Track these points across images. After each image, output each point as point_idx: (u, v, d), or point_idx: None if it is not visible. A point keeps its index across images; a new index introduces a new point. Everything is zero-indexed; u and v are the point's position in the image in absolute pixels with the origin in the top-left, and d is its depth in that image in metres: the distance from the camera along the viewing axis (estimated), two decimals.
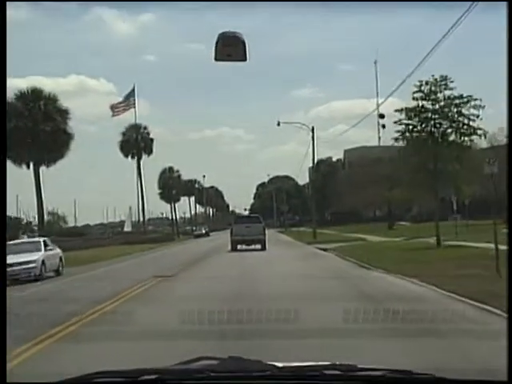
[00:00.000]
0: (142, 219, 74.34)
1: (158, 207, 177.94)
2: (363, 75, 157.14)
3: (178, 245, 59.65)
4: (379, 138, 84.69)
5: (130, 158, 64.87)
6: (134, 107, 69.88)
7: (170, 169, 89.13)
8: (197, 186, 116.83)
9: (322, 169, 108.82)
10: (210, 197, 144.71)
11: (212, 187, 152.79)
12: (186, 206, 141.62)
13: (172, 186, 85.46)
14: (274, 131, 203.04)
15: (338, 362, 3.29)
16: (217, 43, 6.77)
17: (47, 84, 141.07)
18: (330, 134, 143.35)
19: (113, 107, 70.94)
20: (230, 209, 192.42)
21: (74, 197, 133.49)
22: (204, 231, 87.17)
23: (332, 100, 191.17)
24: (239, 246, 39.68)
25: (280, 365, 3.21)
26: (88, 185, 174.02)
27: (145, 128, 67.05)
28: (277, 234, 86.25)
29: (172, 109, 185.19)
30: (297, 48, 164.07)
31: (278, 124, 49.53)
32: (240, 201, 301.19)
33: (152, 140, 67.48)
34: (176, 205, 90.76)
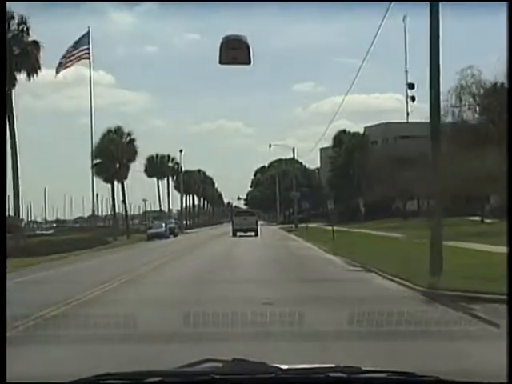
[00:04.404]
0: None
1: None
2: (364, 71, 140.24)
3: (78, 261, 27.92)
4: (407, 113, 71.85)
5: None
6: (89, 58, 52.43)
7: (117, 130, 56.63)
8: (171, 164, 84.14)
9: (346, 142, 76.84)
10: (196, 182, 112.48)
11: (199, 171, 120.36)
12: (176, 196, 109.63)
13: (115, 154, 52.60)
14: (274, 125, 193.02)
15: (342, 365, 3.17)
16: (221, 47, 6.85)
17: (43, 75, 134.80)
18: (330, 130, 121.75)
19: (61, 64, 52.50)
20: (224, 199, 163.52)
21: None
22: (164, 228, 54.86)
23: (332, 95, 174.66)
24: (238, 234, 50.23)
25: (284, 367, 3.13)
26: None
27: (26, 30, 33.59)
28: (284, 234, 54.44)
29: (173, 101, 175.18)
30: (297, 42, 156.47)
31: None
32: (235, 189, 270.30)
33: (38, 46, 34.39)
34: (117, 186, 57.22)
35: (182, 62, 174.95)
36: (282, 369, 3.10)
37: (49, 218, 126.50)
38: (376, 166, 66.21)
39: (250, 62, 6.81)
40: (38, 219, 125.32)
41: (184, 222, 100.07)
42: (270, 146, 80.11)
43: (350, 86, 62.49)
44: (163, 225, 56.50)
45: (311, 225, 61.88)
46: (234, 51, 6.74)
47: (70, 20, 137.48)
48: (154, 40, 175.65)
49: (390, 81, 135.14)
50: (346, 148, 75.41)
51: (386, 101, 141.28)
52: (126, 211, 58.98)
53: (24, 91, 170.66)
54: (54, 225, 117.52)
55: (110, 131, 56.84)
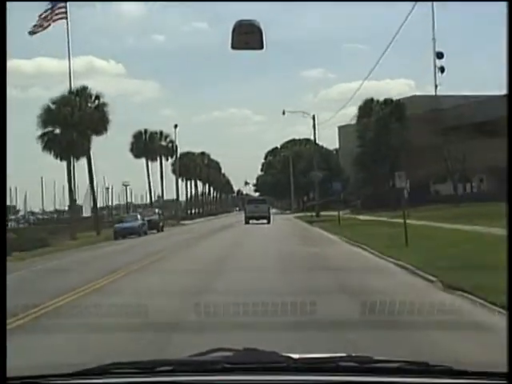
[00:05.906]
0: None
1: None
2: (374, 57, 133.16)
3: None
4: (436, 86, 65.77)
5: None
6: (66, 18, 47.81)
7: (81, 90, 41.90)
8: (164, 142, 69.71)
9: (377, 111, 62.42)
10: (198, 166, 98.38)
11: (202, 153, 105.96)
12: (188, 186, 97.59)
13: (70, 121, 37.63)
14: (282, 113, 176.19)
15: (354, 354, 3.14)
16: (233, 31, 6.77)
17: (53, 65, 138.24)
18: (341, 115, 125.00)
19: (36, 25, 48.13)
20: (233, 186, 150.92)
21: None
22: (138, 222, 39.66)
23: (342, 81, 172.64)
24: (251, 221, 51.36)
25: (296, 356, 3.06)
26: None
27: None
28: (308, 229, 40.69)
29: (182, 90, 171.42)
30: (306, 29, 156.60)
31: None
32: (244, 177, 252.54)
33: None
34: (78, 166, 42.49)
35: (190, 51, 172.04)
36: (293, 358, 3.04)
37: (51, 209, 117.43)
38: (420, 139, 52.18)
39: (262, 47, 6.78)
40: (36, 209, 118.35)
41: (186, 211, 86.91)
42: (283, 112, 65.61)
43: (368, 73, 51.97)
44: (138, 217, 41.96)
45: (332, 213, 47.94)
46: (247, 36, 6.67)
47: (79, 9, 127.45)
48: (162, 29, 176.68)
49: (402, 66, 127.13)
50: (379, 118, 60.89)
51: (397, 86, 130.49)
52: (93, 197, 44.71)
53: (32, 83, 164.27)
54: (55, 216, 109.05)
55: (71, 92, 42.44)
